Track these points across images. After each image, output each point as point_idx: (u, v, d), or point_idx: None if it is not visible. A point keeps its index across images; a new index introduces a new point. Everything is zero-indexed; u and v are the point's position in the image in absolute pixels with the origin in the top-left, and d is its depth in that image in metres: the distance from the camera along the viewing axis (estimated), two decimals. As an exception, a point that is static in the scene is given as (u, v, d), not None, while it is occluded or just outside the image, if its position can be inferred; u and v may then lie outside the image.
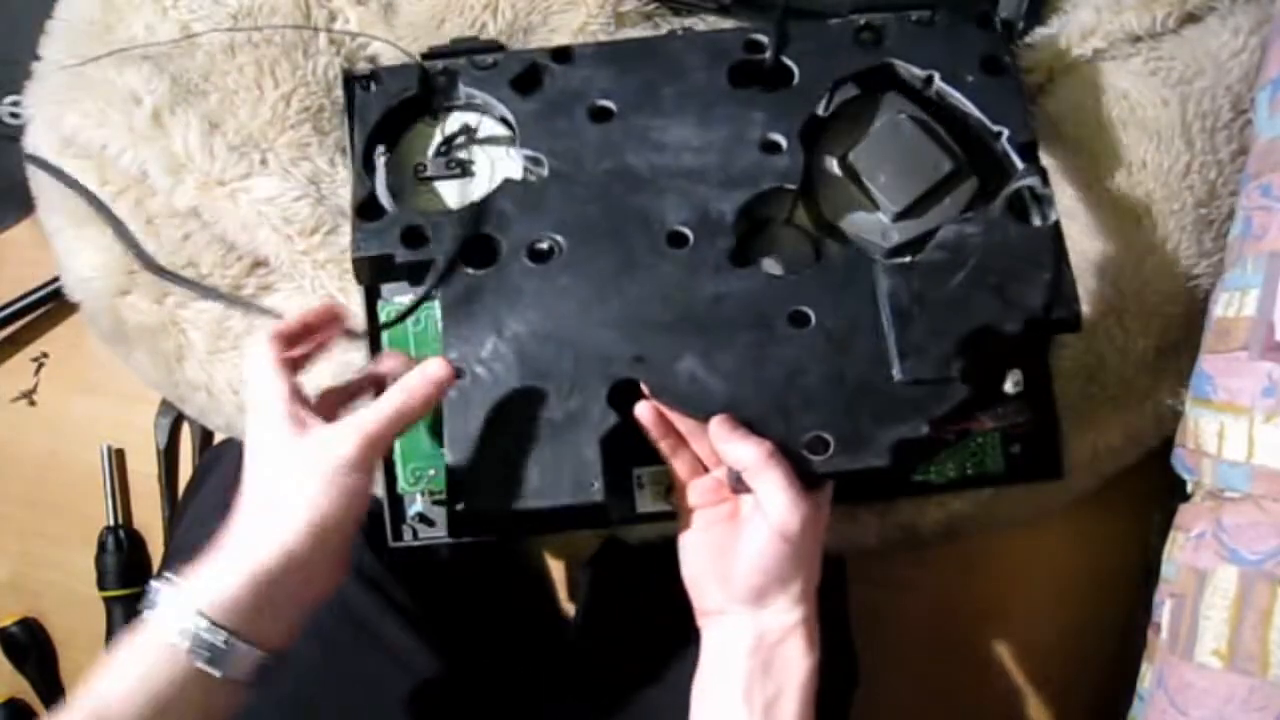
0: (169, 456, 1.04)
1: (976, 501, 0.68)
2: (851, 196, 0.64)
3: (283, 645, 0.50)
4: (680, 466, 0.57)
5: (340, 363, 0.66)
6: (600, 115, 0.63)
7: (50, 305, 1.05)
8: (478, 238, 0.60)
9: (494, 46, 0.66)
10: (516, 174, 0.65)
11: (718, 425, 0.53)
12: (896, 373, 0.56)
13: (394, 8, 0.69)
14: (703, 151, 0.62)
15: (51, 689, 1.03)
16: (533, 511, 0.56)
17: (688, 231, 0.60)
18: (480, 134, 0.65)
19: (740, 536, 0.53)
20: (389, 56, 0.69)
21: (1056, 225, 0.60)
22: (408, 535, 0.64)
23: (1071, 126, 0.68)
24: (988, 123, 0.63)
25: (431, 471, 0.63)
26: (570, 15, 0.69)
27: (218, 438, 0.84)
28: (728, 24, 0.70)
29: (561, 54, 0.65)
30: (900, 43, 0.64)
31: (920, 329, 0.57)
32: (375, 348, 0.64)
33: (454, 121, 0.66)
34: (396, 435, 0.51)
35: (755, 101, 0.63)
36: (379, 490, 0.63)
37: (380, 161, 0.63)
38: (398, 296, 0.64)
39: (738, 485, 0.54)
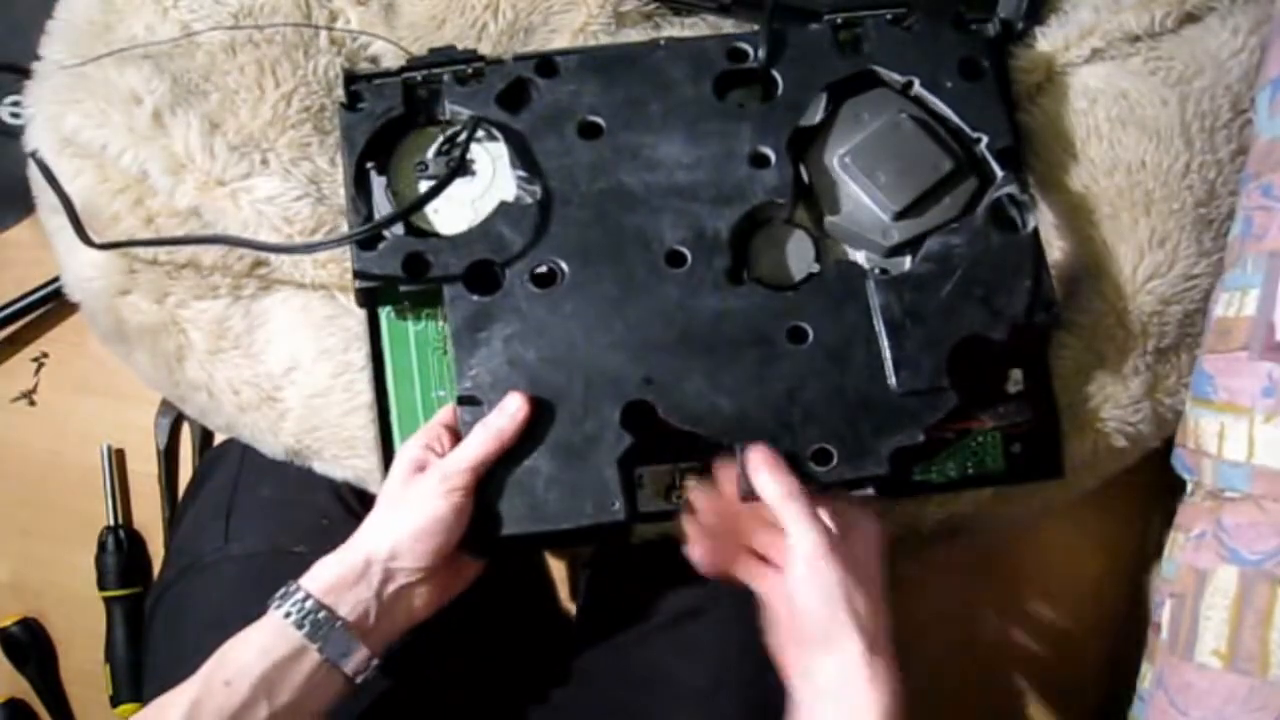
0: (169, 456, 1.04)
1: (977, 501, 0.68)
2: (851, 196, 0.64)
3: (379, 644, 0.56)
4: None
5: (340, 362, 0.66)
6: (590, 132, 0.64)
7: (50, 305, 1.05)
8: (479, 263, 0.61)
9: (472, 56, 0.65)
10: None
11: (755, 453, 0.56)
12: (893, 384, 0.58)
13: (395, 8, 0.69)
14: (694, 168, 0.63)
15: (51, 689, 1.03)
16: (557, 533, 0.58)
17: (685, 251, 0.61)
18: (479, 133, 0.65)
19: (786, 582, 0.54)
20: (390, 57, 0.69)
21: (1035, 232, 0.62)
22: None
23: (1070, 126, 0.68)
24: (966, 129, 0.64)
25: None
26: (571, 15, 0.69)
27: (218, 438, 0.84)
28: (727, 25, 0.70)
29: (545, 67, 0.65)
30: (880, 48, 0.65)
31: (913, 341, 0.59)
32: (378, 362, 0.64)
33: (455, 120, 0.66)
34: (485, 468, 0.57)
35: (742, 115, 0.64)
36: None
37: (378, 184, 0.63)
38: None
39: (747, 494, 0.56)
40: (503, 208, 0.63)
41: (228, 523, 0.68)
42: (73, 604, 1.03)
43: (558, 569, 0.86)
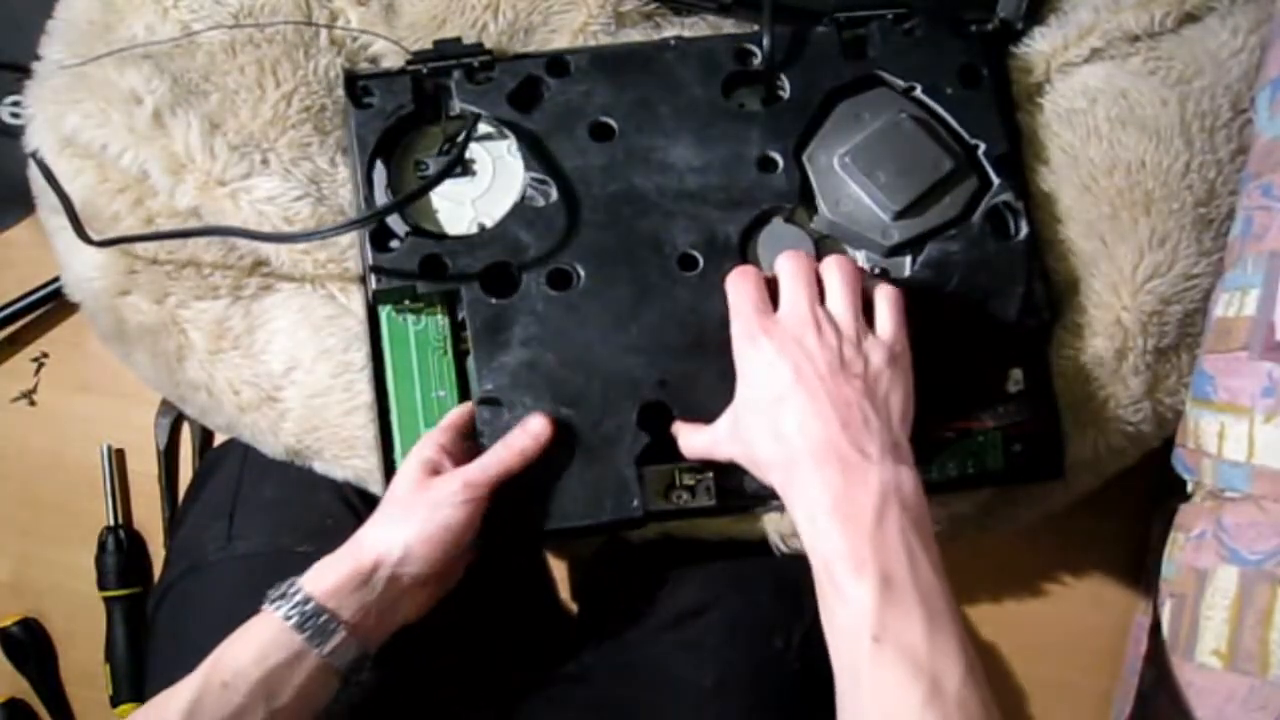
0: (169, 456, 1.04)
1: (977, 501, 0.68)
2: (851, 196, 0.64)
3: (375, 643, 0.56)
4: None
5: (340, 362, 0.66)
6: (602, 133, 0.65)
7: (50, 305, 1.05)
8: (496, 265, 0.62)
9: (478, 50, 0.66)
10: (518, 173, 0.65)
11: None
12: None
13: (395, 8, 0.69)
14: (704, 172, 0.64)
15: (51, 689, 1.03)
16: (579, 529, 0.60)
17: (697, 254, 0.63)
18: (479, 131, 0.66)
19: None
20: (391, 57, 0.69)
21: (1029, 238, 0.64)
22: None
23: (1070, 126, 0.68)
24: (965, 135, 0.65)
25: None
26: (571, 15, 0.69)
27: (218, 438, 0.84)
28: (727, 24, 0.70)
29: (557, 66, 0.65)
30: (884, 53, 0.66)
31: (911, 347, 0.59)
32: (378, 361, 0.65)
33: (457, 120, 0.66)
34: (499, 483, 0.58)
35: (750, 118, 0.65)
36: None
37: (379, 183, 0.64)
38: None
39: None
40: (518, 210, 0.63)
41: (230, 522, 0.67)
42: (73, 604, 1.03)
43: (558, 569, 0.86)
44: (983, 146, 0.65)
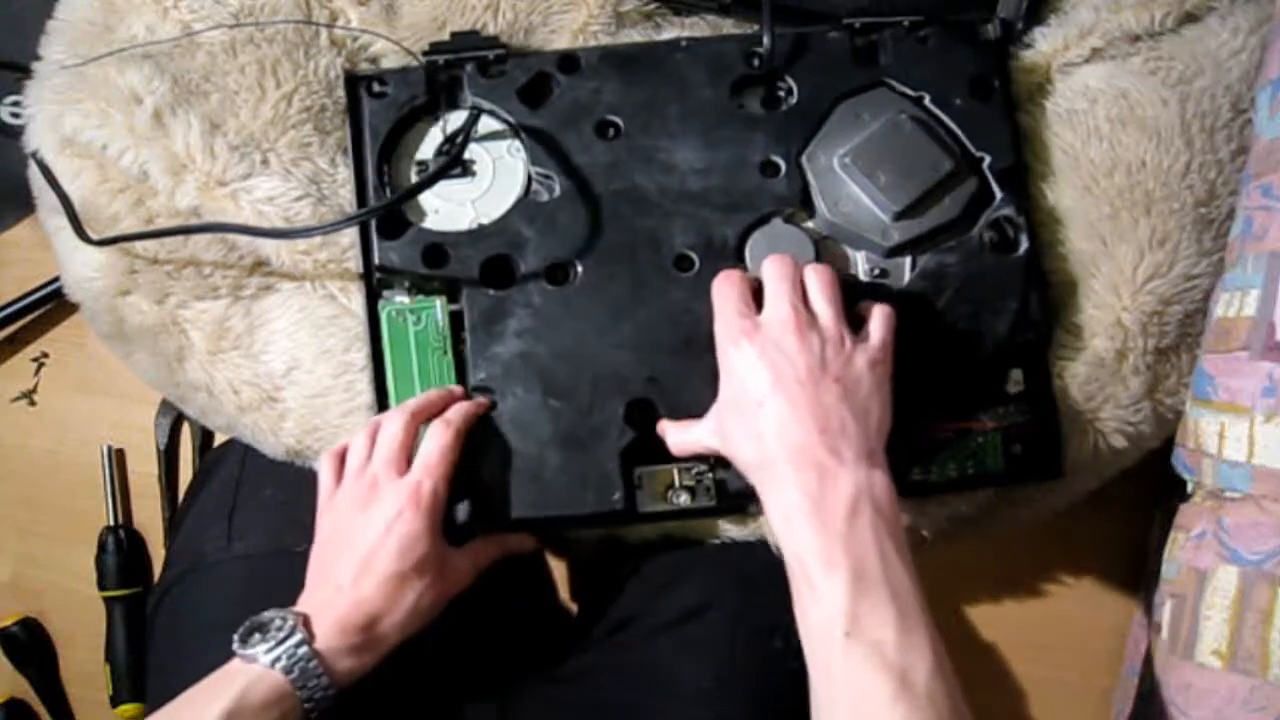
0: (169, 456, 1.04)
1: (977, 502, 0.68)
2: (851, 196, 0.64)
3: (350, 678, 0.56)
4: None
5: (340, 363, 0.66)
6: (608, 132, 0.65)
7: (50, 305, 1.05)
8: (496, 257, 0.63)
9: (494, 43, 0.66)
10: (518, 173, 0.65)
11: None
12: None
13: (395, 9, 0.69)
14: (706, 174, 0.65)
15: (51, 689, 1.03)
16: (559, 519, 0.62)
17: (694, 255, 0.64)
18: (479, 131, 0.66)
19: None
20: (391, 57, 0.69)
21: (1028, 255, 0.64)
22: None
23: (1070, 126, 0.68)
24: (971, 148, 0.65)
25: None
26: (570, 15, 0.69)
27: (219, 438, 0.84)
28: (727, 25, 0.70)
29: (568, 63, 0.66)
30: (895, 60, 0.66)
31: (902, 356, 0.60)
32: (376, 348, 0.65)
33: (455, 118, 0.66)
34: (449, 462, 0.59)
35: (756, 122, 0.66)
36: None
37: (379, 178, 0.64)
38: (398, 297, 0.65)
39: None
40: (520, 204, 0.64)
41: (230, 522, 0.68)
42: (73, 604, 1.03)
43: (558, 569, 0.86)
44: (988, 159, 0.65)
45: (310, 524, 0.61)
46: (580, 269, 0.63)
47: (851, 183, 0.64)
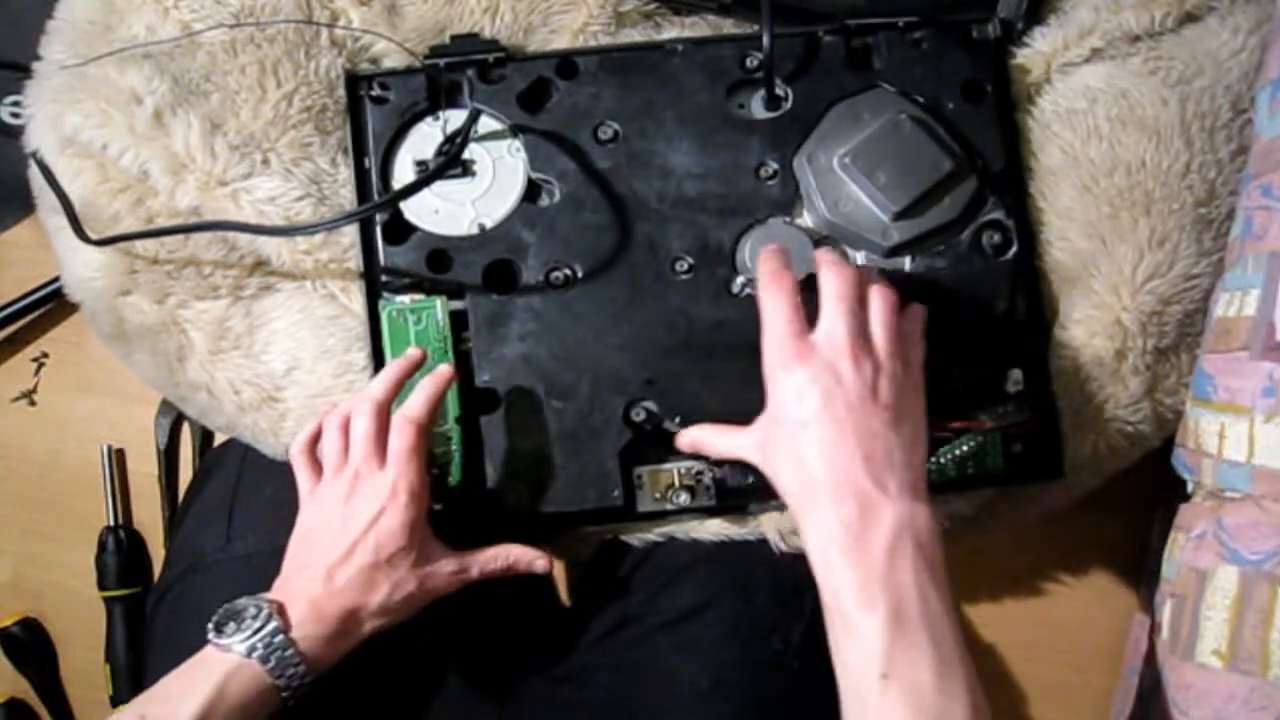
0: (169, 456, 1.04)
1: (977, 501, 0.68)
2: (851, 196, 0.64)
3: (327, 667, 0.56)
4: None
5: (341, 363, 0.66)
6: (606, 137, 0.66)
7: (50, 305, 1.05)
8: (498, 262, 0.65)
9: (494, 46, 0.66)
10: (518, 173, 0.65)
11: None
12: None
13: (396, 10, 0.69)
14: (703, 179, 0.65)
15: (51, 689, 1.03)
16: (560, 514, 0.64)
17: (690, 260, 0.65)
18: (479, 130, 0.66)
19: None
20: (392, 57, 0.69)
21: (1016, 259, 0.65)
22: None
23: (1070, 126, 0.68)
24: (962, 153, 0.65)
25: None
26: (570, 15, 0.69)
27: (219, 438, 0.84)
28: (727, 25, 0.70)
29: (566, 68, 0.66)
30: (889, 64, 0.67)
31: None
32: (377, 348, 0.65)
33: (455, 118, 0.66)
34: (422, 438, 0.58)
35: (751, 127, 0.66)
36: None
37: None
38: (399, 296, 0.65)
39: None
40: (520, 209, 0.65)
41: (230, 522, 0.68)
42: (73, 604, 1.03)
43: (558, 569, 0.86)
44: (979, 164, 0.65)
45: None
46: (579, 273, 0.65)
47: (851, 182, 0.64)
